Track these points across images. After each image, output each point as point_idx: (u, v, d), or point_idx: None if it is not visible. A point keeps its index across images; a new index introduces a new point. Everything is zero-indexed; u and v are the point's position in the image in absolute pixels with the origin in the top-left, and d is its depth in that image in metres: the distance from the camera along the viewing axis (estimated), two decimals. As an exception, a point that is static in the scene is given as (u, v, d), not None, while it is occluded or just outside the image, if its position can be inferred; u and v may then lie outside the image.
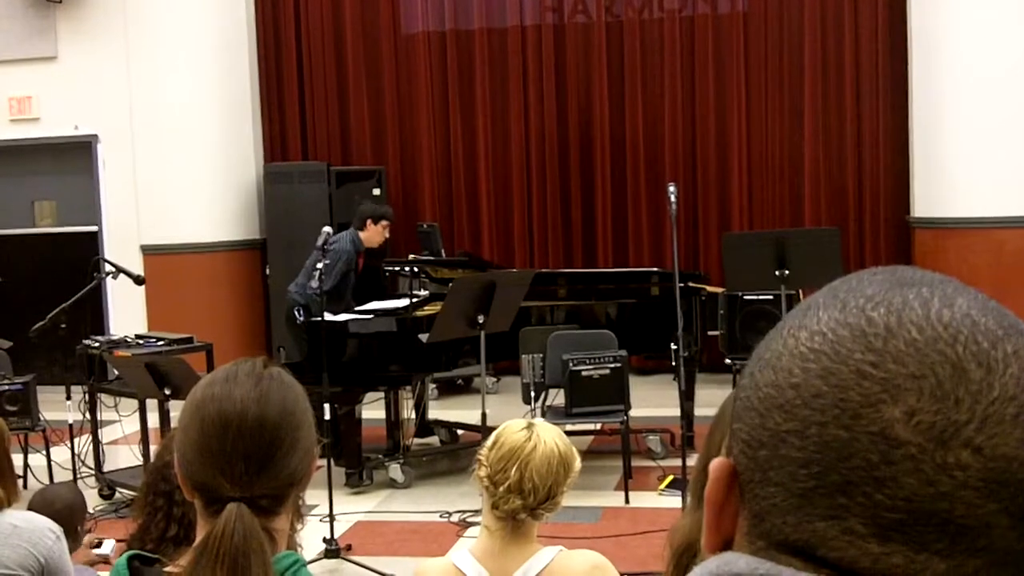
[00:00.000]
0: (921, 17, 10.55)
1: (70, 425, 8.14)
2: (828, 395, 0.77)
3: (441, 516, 7.39)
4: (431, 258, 10.47)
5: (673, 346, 7.81)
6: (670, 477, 7.84)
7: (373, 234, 9.38)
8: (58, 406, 8.42)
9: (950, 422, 0.75)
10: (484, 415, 7.24)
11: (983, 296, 0.81)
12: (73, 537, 4.36)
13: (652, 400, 9.65)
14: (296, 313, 9.01)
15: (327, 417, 7.05)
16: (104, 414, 8.58)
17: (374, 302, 9.11)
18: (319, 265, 7.24)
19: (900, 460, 0.75)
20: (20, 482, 4.07)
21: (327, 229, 8.14)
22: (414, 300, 8.65)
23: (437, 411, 9.82)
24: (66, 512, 4.34)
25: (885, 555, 0.76)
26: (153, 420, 7.84)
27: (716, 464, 0.85)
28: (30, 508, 4.28)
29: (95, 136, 12.00)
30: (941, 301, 0.79)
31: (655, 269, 9.93)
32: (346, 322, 8.31)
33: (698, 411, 8.45)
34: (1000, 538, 0.75)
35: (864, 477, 0.76)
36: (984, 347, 0.77)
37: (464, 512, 7.31)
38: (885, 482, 0.75)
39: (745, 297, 9.30)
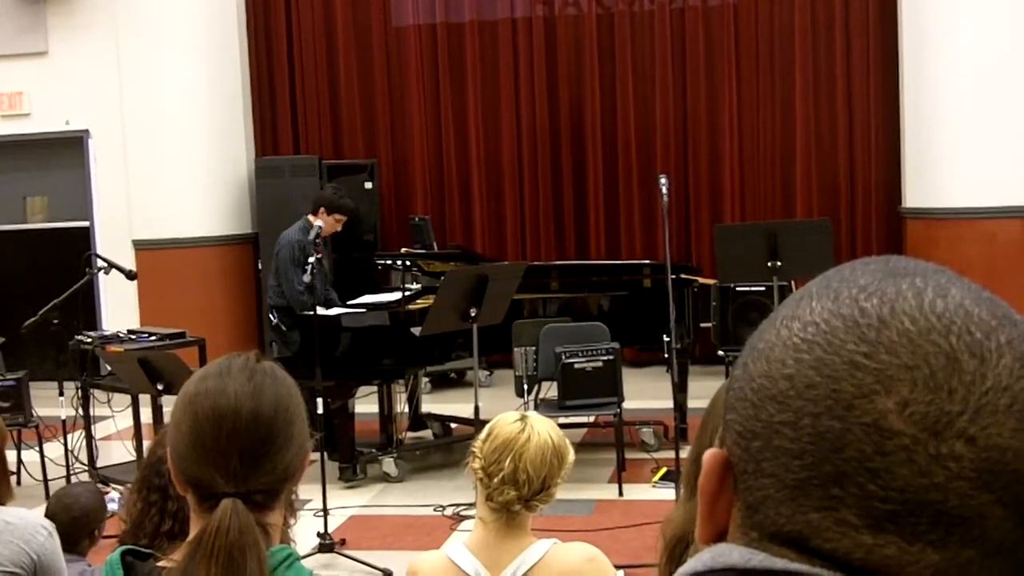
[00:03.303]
0: (912, 7, 10.55)
1: (63, 421, 8.12)
2: (821, 386, 0.77)
3: (435, 510, 7.39)
4: (423, 251, 10.46)
5: (666, 338, 7.81)
6: (663, 469, 7.85)
7: (324, 224, 8.59)
8: (51, 402, 8.40)
9: (943, 413, 0.75)
10: (477, 408, 7.24)
11: (977, 286, 0.81)
12: (92, 540, 4.35)
13: (645, 392, 9.67)
14: (272, 316, 8.92)
15: (320, 411, 7.04)
16: (97, 410, 8.56)
17: (366, 296, 9.09)
18: (311, 260, 7.22)
19: (893, 451, 0.75)
20: (13, 479, 4.06)
21: (319, 223, 8.14)
22: (406, 294, 8.64)
23: (430, 405, 9.82)
24: (84, 519, 4.32)
25: (879, 546, 0.76)
26: (146, 415, 7.84)
27: (710, 455, 0.85)
28: (48, 510, 4.27)
29: (86, 131, 11.99)
30: (935, 291, 0.79)
31: (647, 261, 9.91)
32: (339, 316, 8.30)
33: (691, 403, 8.45)
34: (994, 529, 0.75)
35: (857, 468, 0.76)
36: (977, 337, 0.77)
37: (458, 506, 7.31)
38: (878, 473, 0.75)
39: (737, 288, 9.31)
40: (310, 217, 8.87)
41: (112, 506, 5.01)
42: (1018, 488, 0.75)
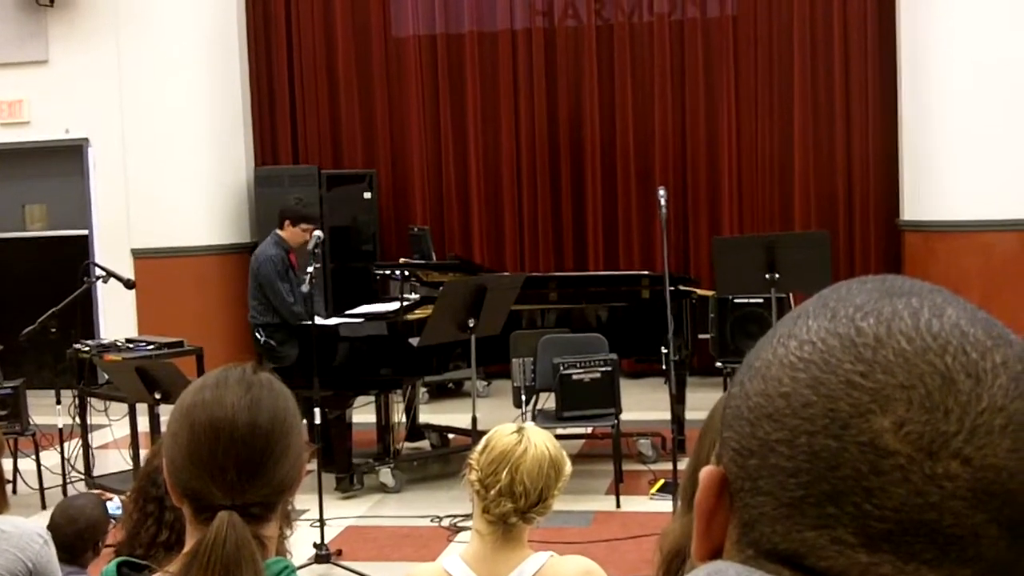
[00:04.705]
0: (910, 21, 10.57)
1: (60, 429, 8.13)
2: (817, 405, 0.77)
3: (432, 521, 7.38)
4: (422, 262, 10.46)
5: (664, 349, 7.81)
6: (661, 481, 7.84)
7: (293, 235, 8.76)
8: (48, 410, 8.40)
9: (939, 432, 0.75)
10: (475, 419, 7.24)
11: (972, 306, 0.81)
12: (95, 551, 4.35)
13: (643, 404, 9.66)
14: (258, 335, 8.87)
15: (317, 421, 7.04)
16: (94, 418, 8.57)
17: (364, 306, 9.09)
18: (310, 269, 7.22)
19: (889, 470, 0.75)
20: (9, 487, 4.05)
21: (318, 233, 8.14)
22: (405, 304, 8.64)
23: (428, 415, 9.81)
24: (89, 531, 4.31)
25: (874, 565, 0.76)
26: (143, 424, 7.83)
27: (706, 472, 0.85)
28: (52, 522, 4.26)
29: (86, 140, 11.99)
30: (931, 311, 0.79)
31: (645, 272, 9.92)
32: (337, 326, 8.30)
33: (689, 415, 8.44)
34: (989, 548, 0.75)
35: (853, 487, 0.76)
36: (973, 358, 0.77)
37: (455, 517, 7.30)
38: (874, 492, 0.75)
39: (735, 300, 9.32)
40: (279, 231, 8.88)
41: (115, 511, 5.01)
42: (1013, 508, 0.75)
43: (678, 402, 8.30)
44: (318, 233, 8.18)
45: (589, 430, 8.81)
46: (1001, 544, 0.75)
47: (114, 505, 5.71)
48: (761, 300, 8.88)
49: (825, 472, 0.77)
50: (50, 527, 4.03)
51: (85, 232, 12.10)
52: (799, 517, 0.78)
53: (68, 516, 4.33)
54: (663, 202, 7.55)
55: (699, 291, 9.23)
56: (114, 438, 8.72)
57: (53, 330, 8.15)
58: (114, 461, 8.62)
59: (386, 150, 12.26)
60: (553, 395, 7.89)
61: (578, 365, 7.76)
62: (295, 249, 8.81)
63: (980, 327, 0.79)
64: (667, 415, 8.28)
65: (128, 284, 8.72)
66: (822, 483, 0.77)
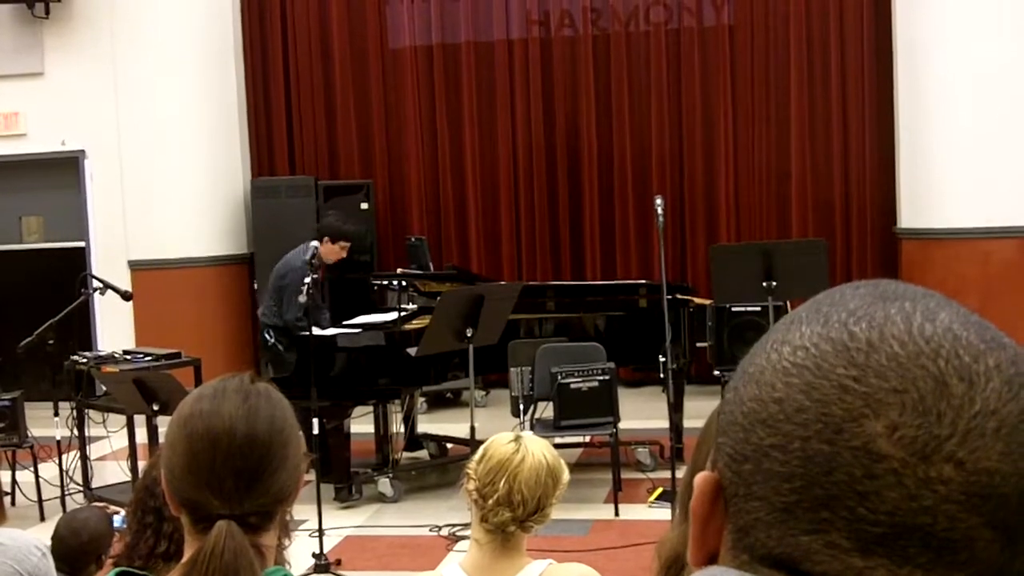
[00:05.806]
0: (906, 28, 10.59)
1: (58, 441, 8.12)
2: (811, 410, 0.78)
3: (431, 530, 7.38)
4: (419, 272, 10.46)
5: (661, 358, 7.82)
6: (659, 489, 7.84)
7: (329, 252, 8.77)
8: (46, 422, 8.40)
9: (932, 436, 0.75)
10: (473, 428, 7.24)
11: (965, 310, 0.81)
12: (99, 565, 4.36)
13: (641, 412, 9.65)
14: (267, 336, 8.90)
15: (315, 432, 7.03)
16: (92, 430, 8.56)
17: (362, 316, 9.10)
18: (307, 280, 7.23)
19: (882, 474, 0.75)
20: (7, 500, 4.06)
21: (314, 243, 8.14)
22: (402, 314, 8.64)
23: (426, 425, 9.81)
24: (93, 543, 4.32)
25: (868, 569, 0.76)
26: (141, 436, 7.82)
27: (701, 478, 0.85)
28: (56, 534, 4.26)
29: (82, 151, 11.99)
30: (923, 315, 0.79)
31: (643, 281, 9.94)
32: (334, 336, 8.30)
33: (687, 423, 8.44)
34: (982, 551, 0.75)
35: (847, 491, 0.76)
36: (966, 361, 0.77)
37: (453, 526, 7.30)
38: (868, 496, 0.75)
39: (733, 309, 9.32)
40: (315, 244, 8.89)
41: (120, 525, 5.02)
42: (1006, 511, 0.76)
43: (676, 410, 8.30)
44: (314, 244, 8.19)
45: (587, 439, 8.80)
46: (995, 547, 0.76)
47: (119, 518, 5.72)
48: (759, 308, 8.88)
49: (819, 477, 0.77)
50: (54, 539, 4.04)
51: (82, 244, 12.10)
52: (793, 522, 0.78)
53: (72, 529, 4.34)
54: (660, 211, 7.57)
55: (697, 299, 9.23)
56: (112, 450, 8.71)
57: (51, 342, 8.15)
58: (112, 473, 8.61)
59: (383, 160, 12.27)
60: (551, 404, 7.89)
61: (576, 374, 7.76)
62: (323, 265, 8.82)
63: (973, 331, 0.79)
64: (665, 423, 8.28)
65: (125, 296, 8.72)
66: (816, 488, 0.77)
